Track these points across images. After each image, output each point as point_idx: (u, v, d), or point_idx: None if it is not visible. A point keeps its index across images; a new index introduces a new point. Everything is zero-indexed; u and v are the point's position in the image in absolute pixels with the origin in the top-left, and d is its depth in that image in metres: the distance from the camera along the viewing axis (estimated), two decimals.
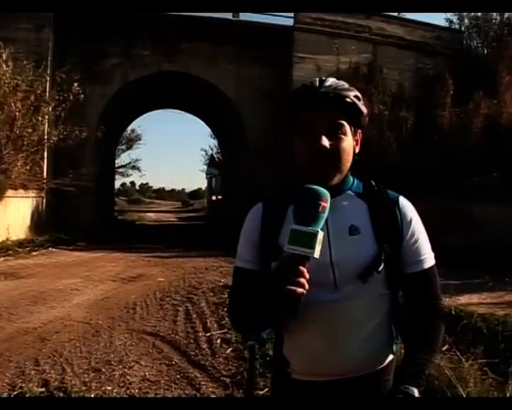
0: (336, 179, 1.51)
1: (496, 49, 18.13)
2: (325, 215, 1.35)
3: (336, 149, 1.49)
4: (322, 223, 1.34)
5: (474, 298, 7.27)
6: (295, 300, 1.29)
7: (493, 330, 5.04)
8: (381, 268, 1.48)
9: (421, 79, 18.74)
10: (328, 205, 1.36)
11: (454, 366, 3.95)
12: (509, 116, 13.91)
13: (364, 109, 1.55)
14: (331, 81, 1.52)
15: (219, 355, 5.22)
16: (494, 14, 19.04)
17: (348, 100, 1.50)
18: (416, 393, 1.37)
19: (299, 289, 1.29)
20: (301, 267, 1.30)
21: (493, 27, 19.09)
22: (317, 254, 1.30)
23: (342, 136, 1.50)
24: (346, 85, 1.54)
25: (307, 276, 1.31)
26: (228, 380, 4.58)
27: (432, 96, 15.83)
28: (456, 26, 20.49)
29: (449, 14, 20.17)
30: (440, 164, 12.80)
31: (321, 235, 1.32)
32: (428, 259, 1.57)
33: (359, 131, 1.58)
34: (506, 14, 18.72)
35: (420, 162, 13.09)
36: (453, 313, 5.65)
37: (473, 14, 19.58)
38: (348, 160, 1.53)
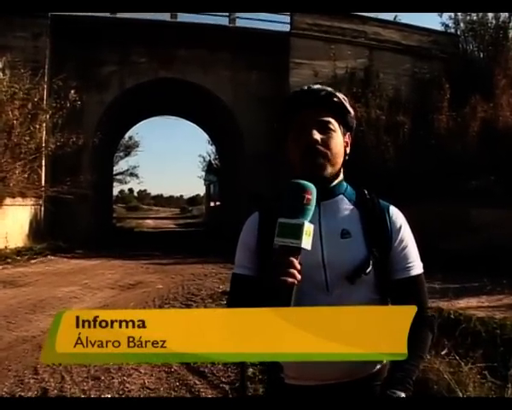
0: (328, 171, 1.58)
1: (492, 53, 18.19)
2: (311, 207, 1.40)
3: (327, 142, 1.57)
4: (308, 215, 1.39)
5: (473, 301, 7.26)
6: (287, 290, 1.34)
7: (492, 333, 5.03)
8: (368, 270, 1.52)
9: (417, 83, 18.79)
10: (312, 197, 1.41)
11: (453, 370, 3.95)
12: (505, 119, 13.93)
13: (351, 110, 1.65)
14: (318, 85, 1.64)
15: (218, 362, 5.21)
16: (490, 17, 19.10)
17: (335, 99, 1.60)
18: (403, 397, 1.38)
19: (290, 279, 1.34)
20: (291, 258, 1.35)
21: (489, 31, 19.12)
22: (304, 244, 1.35)
23: (331, 132, 1.59)
24: (332, 89, 1.64)
25: (298, 266, 1.36)
26: (227, 387, 4.57)
27: (428, 101, 15.86)
28: (452, 30, 20.55)
29: (444, 18, 20.24)
30: (437, 168, 12.82)
31: (308, 226, 1.36)
32: (416, 267, 1.60)
33: (348, 133, 1.66)
34: (501, 18, 18.78)
35: (417, 166, 13.11)
36: (452, 316, 5.65)
37: (468, 17, 19.63)
38: (339, 154, 1.61)
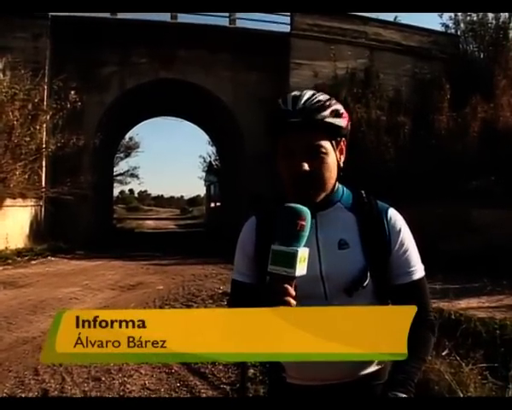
0: (321, 196, 1.53)
1: (492, 53, 18.18)
2: (305, 233, 1.36)
3: (318, 170, 1.49)
4: (302, 241, 1.35)
5: (474, 302, 7.25)
6: None
7: (493, 334, 5.02)
8: (366, 283, 1.50)
9: (417, 83, 18.77)
10: (306, 223, 1.36)
11: (454, 370, 3.95)
12: (505, 120, 13.92)
13: (343, 123, 1.53)
14: (305, 98, 1.49)
15: (219, 363, 5.20)
16: (490, 18, 19.10)
17: (325, 121, 1.48)
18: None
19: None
20: (286, 285, 1.32)
21: (489, 31, 19.11)
22: (298, 272, 1.32)
23: (323, 155, 1.49)
24: (323, 100, 1.50)
25: (293, 293, 1.33)
26: (228, 388, 4.57)
27: (429, 101, 15.85)
28: (453, 31, 20.53)
29: (444, 19, 20.23)
30: (438, 169, 12.81)
31: (302, 253, 1.33)
32: (418, 270, 1.57)
33: (342, 140, 1.57)
34: (501, 18, 18.77)
35: (417, 167, 13.10)
36: (453, 317, 5.65)
37: (468, 18, 19.63)
38: (332, 176, 1.54)
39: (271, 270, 1.34)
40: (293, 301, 1.32)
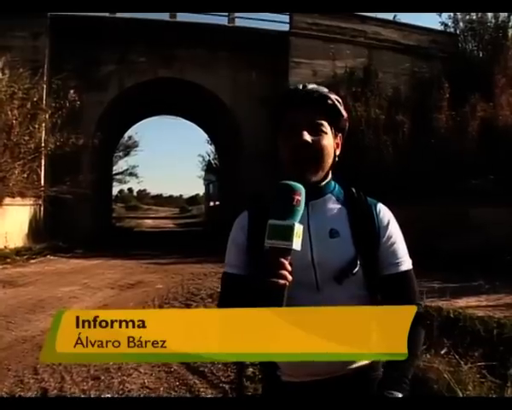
0: (318, 175, 1.59)
1: (491, 52, 18.15)
2: (300, 209, 1.40)
3: (317, 145, 1.56)
4: (298, 216, 1.39)
5: (472, 301, 7.25)
6: (279, 291, 1.34)
7: (491, 332, 5.03)
8: (355, 270, 1.53)
9: (416, 82, 18.74)
10: (302, 198, 1.41)
11: (453, 369, 3.95)
12: (505, 119, 13.92)
13: (344, 113, 1.65)
14: (313, 85, 1.63)
15: (218, 362, 5.20)
16: (489, 17, 19.06)
17: (329, 101, 1.60)
18: (400, 397, 1.39)
19: (282, 281, 1.34)
20: (282, 259, 1.35)
21: (488, 30, 19.07)
22: (295, 245, 1.35)
23: (323, 134, 1.58)
24: (327, 90, 1.63)
25: (289, 267, 1.36)
26: (227, 386, 4.57)
27: (428, 100, 15.82)
28: (452, 30, 20.51)
29: (444, 18, 20.21)
30: (437, 167, 12.81)
31: (298, 227, 1.37)
32: (405, 262, 1.61)
33: (339, 135, 1.67)
34: (501, 17, 18.74)
35: (416, 166, 13.10)
36: (451, 315, 5.65)
37: (468, 17, 19.60)
38: (329, 156, 1.61)
39: (268, 244, 1.36)
40: (289, 276, 1.35)
